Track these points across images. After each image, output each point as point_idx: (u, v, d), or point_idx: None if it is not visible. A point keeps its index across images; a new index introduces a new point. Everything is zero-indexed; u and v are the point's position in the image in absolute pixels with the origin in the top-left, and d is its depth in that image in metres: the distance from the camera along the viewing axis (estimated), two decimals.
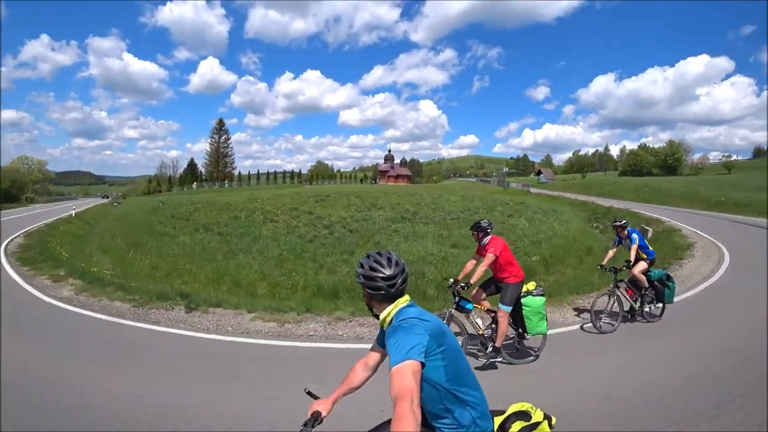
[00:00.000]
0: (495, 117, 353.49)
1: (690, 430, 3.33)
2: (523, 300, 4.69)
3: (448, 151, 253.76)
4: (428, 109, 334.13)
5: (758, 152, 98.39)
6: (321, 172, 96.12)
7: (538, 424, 1.82)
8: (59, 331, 5.87)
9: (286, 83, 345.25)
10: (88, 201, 51.82)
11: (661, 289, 6.18)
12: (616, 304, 6.00)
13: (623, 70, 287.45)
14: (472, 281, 4.72)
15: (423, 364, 1.49)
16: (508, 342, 4.91)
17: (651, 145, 76.93)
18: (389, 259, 1.79)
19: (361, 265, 1.80)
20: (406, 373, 1.43)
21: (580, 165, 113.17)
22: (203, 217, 20.24)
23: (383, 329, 1.84)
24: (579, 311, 6.83)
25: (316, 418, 1.82)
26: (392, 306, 1.76)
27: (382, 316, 1.77)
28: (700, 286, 8.47)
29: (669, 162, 68.50)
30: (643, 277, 6.23)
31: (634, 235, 6.27)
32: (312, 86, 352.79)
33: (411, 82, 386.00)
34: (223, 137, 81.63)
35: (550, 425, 1.85)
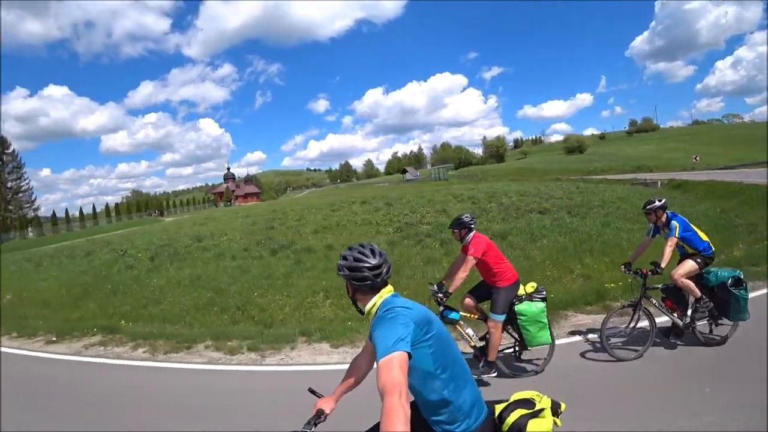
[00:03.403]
0: (280, 131, 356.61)
1: (690, 429, 3.02)
2: (516, 308, 3.93)
3: (236, 170, 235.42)
4: (210, 127, 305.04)
5: (517, 143, 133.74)
6: (145, 203, 73.62)
7: (540, 411, 1.67)
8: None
9: (18, 102, 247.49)
10: None
11: (725, 298, 4.03)
12: (643, 321, 4.22)
13: (389, 84, 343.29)
14: (450, 290, 3.98)
15: (410, 355, 1.43)
16: (508, 351, 4.25)
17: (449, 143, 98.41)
18: (372, 250, 1.75)
19: (345, 258, 1.76)
20: (393, 366, 1.36)
21: (399, 165, 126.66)
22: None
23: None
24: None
25: (319, 415, 1.82)
26: (377, 297, 1.71)
27: (367, 308, 1.73)
28: None
29: (500, 152, 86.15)
30: (691, 285, 4.15)
31: (674, 222, 4.20)
32: (58, 106, 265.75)
33: (188, 100, 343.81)
34: (11, 164, 50.42)
35: (556, 412, 1.70)
